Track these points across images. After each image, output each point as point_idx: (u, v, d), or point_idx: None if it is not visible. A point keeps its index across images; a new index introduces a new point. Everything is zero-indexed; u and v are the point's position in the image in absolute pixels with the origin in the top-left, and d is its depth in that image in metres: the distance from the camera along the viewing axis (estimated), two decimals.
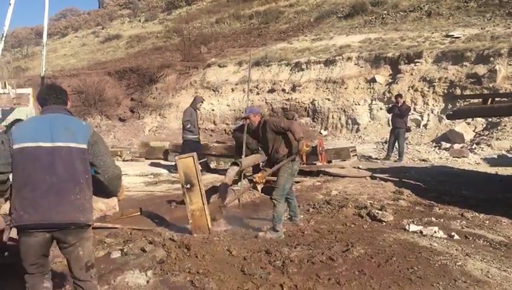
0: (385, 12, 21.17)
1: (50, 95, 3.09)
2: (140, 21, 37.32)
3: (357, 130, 15.44)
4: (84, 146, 2.93)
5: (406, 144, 12.53)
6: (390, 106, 13.11)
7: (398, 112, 11.91)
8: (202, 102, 11.34)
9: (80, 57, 31.65)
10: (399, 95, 12.53)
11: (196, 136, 10.78)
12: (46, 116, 3.02)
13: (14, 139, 2.85)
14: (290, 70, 18.36)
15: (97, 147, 3.01)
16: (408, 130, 12.42)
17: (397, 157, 11.86)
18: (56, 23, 44.66)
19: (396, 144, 11.96)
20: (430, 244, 5.03)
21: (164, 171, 11.12)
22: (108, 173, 3.05)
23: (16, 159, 2.83)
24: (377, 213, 6.22)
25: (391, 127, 12.47)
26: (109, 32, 35.72)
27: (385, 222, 6.01)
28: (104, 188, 3.11)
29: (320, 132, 15.92)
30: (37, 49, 33.65)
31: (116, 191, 3.28)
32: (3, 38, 13.00)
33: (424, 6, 20.38)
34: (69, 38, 40.01)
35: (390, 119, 13.13)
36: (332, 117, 16.26)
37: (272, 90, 17.54)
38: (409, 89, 14.96)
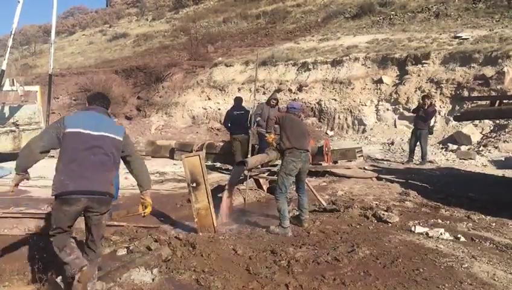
0: (393, 13, 21.10)
1: (98, 98, 3.96)
2: (147, 20, 37.41)
3: (364, 131, 15.39)
4: (121, 138, 3.79)
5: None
6: (413, 107, 12.59)
7: (423, 115, 11.38)
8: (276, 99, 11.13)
9: (87, 55, 31.78)
10: (426, 96, 11.93)
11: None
12: (92, 113, 3.83)
13: (66, 125, 3.59)
14: (297, 70, 18.35)
15: (129, 140, 3.95)
16: (430, 132, 11.85)
17: (420, 160, 11.48)
18: (64, 21, 44.84)
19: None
20: (436, 246, 5.01)
21: (170, 170, 11.13)
22: (138, 158, 4.00)
23: (66, 140, 3.57)
24: (383, 214, 6.20)
25: (413, 128, 11.99)
26: (116, 31, 35.83)
27: (391, 223, 5.99)
28: (139, 173, 3.97)
29: (326, 132, 15.89)
30: (45, 47, 33.82)
31: (149, 180, 4.04)
32: (12, 36, 13.12)
33: (432, 7, 20.28)
34: (76, 36, 40.18)
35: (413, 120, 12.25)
36: (339, 118, 16.22)
37: (278, 90, 17.51)
38: (416, 91, 14.90)
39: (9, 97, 14.59)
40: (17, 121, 13.35)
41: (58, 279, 3.85)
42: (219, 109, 18.52)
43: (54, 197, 3.59)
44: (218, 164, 11.74)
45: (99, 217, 3.73)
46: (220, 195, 7.05)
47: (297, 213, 6.22)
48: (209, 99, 19.24)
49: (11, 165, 11.77)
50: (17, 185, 3.76)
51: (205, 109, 18.96)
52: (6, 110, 13.28)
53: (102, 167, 3.64)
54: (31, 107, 14.03)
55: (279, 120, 6.03)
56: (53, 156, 12.06)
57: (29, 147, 3.58)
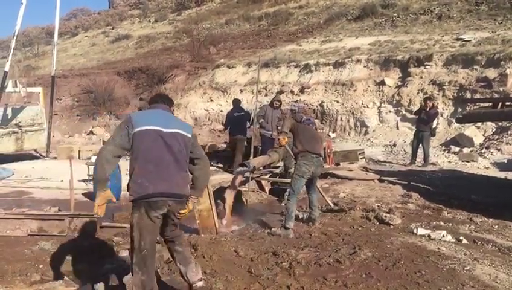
0: (395, 14, 21.08)
1: (161, 97, 3.86)
2: (150, 21, 37.47)
3: (366, 133, 15.38)
4: (190, 136, 3.61)
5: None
6: (415, 109, 12.56)
7: (425, 117, 11.33)
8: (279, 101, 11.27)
9: (89, 56, 31.85)
10: (428, 98, 11.88)
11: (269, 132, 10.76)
12: (158, 110, 3.66)
13: (135, 124, 3.37)
14: (299, 72, 18.35)
15: (196, 139, 3.76)
16: (433, 134, 11.82)
17: (422, 162, 11.41)
18: (67, 22, 44.93)
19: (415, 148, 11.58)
20: (438, 248, 5.00)
21: None
22: (207, 164, 3.83)
23: (138, 140, 3.35)
24: (385, 216, 6.19)
25: (415, 130, 11.92)
26: (119, 32, 35.90)
27: (393, 225, 5.98)
28: (200, 178, 3.77)
29: (328, 134, 15.88)
30: (48, 48, 33.88)
31: (204, 189, 3.99)
32: (15, 37, 13.17)
33: (434, 9, 20.26)
34: (79, 38, 40.26)
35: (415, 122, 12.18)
36: (341, 119, 16.22)
37: (280, 92, 17.51)
38: (418, 92, 14.88)
39: (12, 98, 14.65)
40: (19, 122, 13.40)
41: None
42: (221, 111, 18.52)
43: (132, 203, 3.38)
44: (220, 165, 11.74)
45: (174, 216, 3.55)
46: (222, 196, 7.06)
47: (307, 215, 6.26)
48: (211, 100, 19.26)
49: (14, 166, 11.85)
50: (103, 205, 3.41)
51: (207, 110, 18.97)
52: (9, 111, 13.33)
53: (178, 166, 3.46)
54: (34, 108, 14.08)
55: (293, 127, 6.08)
56: (55, 158, 12.09)
57: (101, 154, 3.34)
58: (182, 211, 3.56)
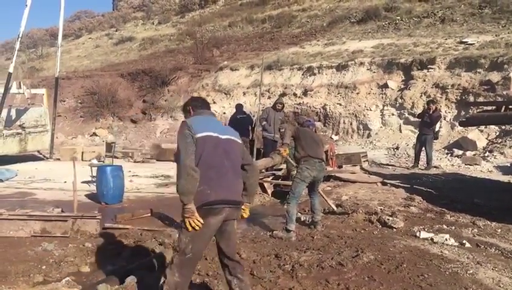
0: (398, 17, 21.08)
1: (203, 103, 3.75)
2: (153, 24, 37.56)
3: (369, 136, 15.38)
4: (241, 142, 3.60)
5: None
6: (418, 112, 12.61)
7: (428, 120, 11.31)
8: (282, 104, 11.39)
9: (93, 58, 31.94)
10: (431, 101, 11.91)
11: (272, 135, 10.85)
12: (209, 117, 3.60)
13: (195, 130, 3.27)
14: (302, 74, 18.36)
15: (244, 146, 3.72)
16: (436, 137, 11.81)
17: (425, 165, 11.43)
18: (70, 24, 45.10)
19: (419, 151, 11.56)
20: (441, 251, 4.99)
21: (175, 173, 11.15)
22: (257, 169, 3.82)
23: (199, 146, 3.26)
24: (388, 219, 6.19)
25: (417, 133, 11.96)
26: (123, 35, 35.98)
27: (396, 228, 5.98)
28: (252, 182, 3.67)
29: (331, 137, 15.88)
30: (52, 50, 34.01)
31: (256, 185, 3.95)
32: (19, 39, 13.23)
33: (437, 12, 20.25)
34: (83, 39, 40.38)
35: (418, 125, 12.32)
36: (344, 122, 16.22)
37: (283, 94, 17.53)
38: (421, 96, 14.89)
39: (16, 100, 14.70)
40: (23, 123, 13.44)
41: None
42: (224, 113, 18.54)
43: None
44: None
45: (232, 224, 3.45)
46: None
47: (310, 220, 6.26)
48: (214, 103, 19.27)
49: (18, 167, 11.89)
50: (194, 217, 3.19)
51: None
52: (13, 112, 13.37)
53: (235, 173, 3.41)
54: (38, 110, 14.13)
55: (295, 133, 6.08)
56: (58, 159, 12.12)
57: (186, 169, 3.16)
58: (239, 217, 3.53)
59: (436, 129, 11.75)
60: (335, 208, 6.99)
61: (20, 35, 13.04)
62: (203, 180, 3.21)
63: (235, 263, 3.47)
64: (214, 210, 3.24)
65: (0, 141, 12.48)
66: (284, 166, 8.85)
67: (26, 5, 12.63)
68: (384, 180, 9.46)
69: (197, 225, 3.14)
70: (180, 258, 3.25)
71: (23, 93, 13.78)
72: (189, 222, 3.14)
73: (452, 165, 11.79)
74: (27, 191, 9.20)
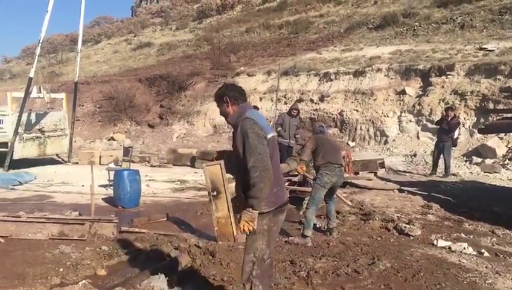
0: (417, 24, 20.92)
1: (242, 94, 3.37)
2: (171, 29, 37.93)
3: (386, 142, 15.26)
4: None
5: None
6: (436, 119, 12.42)
7: (446, 127, 11.13)
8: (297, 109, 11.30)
9: (112, 63, 32.35)
10: (450, 108, 11.72)
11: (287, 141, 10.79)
12: (260, 112, 3.52)
13: (266, 131, 3.11)
14: (319, 80, 18.33)
15: None
16: (454, 144, 11.56)
17: (443, 172, 11.21)
18: (90, 30, 45.79)
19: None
20: (459, 260, 4.92)
21: (191, 178, 11.20)
22: None
23: (270, 147, 3.09)
24: (405, 227, 6.12)
25: (436, 140, 11.76)
26: (141, 40, 36.41)
27: (412, 236, 5.90)
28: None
29: (347, 143, 15.81)
30: (71, 55, 34.55)
31: None
32: (40, 44, 13.46)
33: (457, 18, 20.04)
34: (102, 45, 40.96)
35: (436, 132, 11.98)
36: (361, 128, 16.13)
37: (300, 100, 17.51)
38: (439, 102, 14.72)
39: (36, 104, 14.95)
40: (42, 127, 13.64)
41: None
42: None
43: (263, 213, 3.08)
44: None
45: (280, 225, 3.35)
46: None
47: (326, 226, 6.24)
48: None
49: (36, 170, 12.08)
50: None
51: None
52: (33, 116, 13.59)
53: (282, 173, 3.37)
54: (57, 114, 14.34)
55: (314, 146, 6.01)
56: (76, 163, 12.30)
57: (269, 172, 2.98)
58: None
59: (455, 136, 11.57)
60: (349, 203, 6.96)
61: (41, 41, 13.27)
62: (276, 182, 3.12)
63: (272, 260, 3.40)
64: (283, 210, 3.24)
65: (20, 145, 12.68)
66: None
67: (47, 11, 12.85)
68: (401, 187, 9.36)
69: (250, 230, 3.01)
70: (261, 268, 3.12)
71: (43, 97, 14.00)
72: (246, 227, 2.99)
73: (471, 172, 11.61)
74: (45, 194, 9.33)
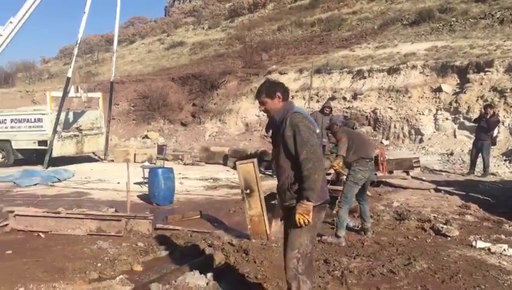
0: (453, 19, 20.38)
1: (288, 93, 3.42)
2: (203, 28, 38.18)
3: (421, 141, 14.95)
4: None
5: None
6: (474, 117, 12.11)
7: (485, 125, 10.84)
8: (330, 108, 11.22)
9: (145, 63, 32.83)
10: (489, 105, 11.42)
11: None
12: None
13: (315, 126, 3.20)
14: (352, 78, 18.11)
15: None
16: (493, 143, 11.26)
17: (482, 172, 10.90)
18: (125, 30, 46.55)
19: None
20: (499, 262, 4.78)
21: (223, 176, 11.28)
22: None
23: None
24: (441, 227, 5.99)
25: (474, 139, 11.45)
26: (174, 39, 36.79)
27: (450, 236, 5.77)
28: None
29: (381, 142, 15.56)
30: (107, 55, 35.28)
31: None
32: (77, 45, 13.81)
33: (496, 13, 19.41)
34: (136, 45, 41.60)
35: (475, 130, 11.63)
36: (395, 127, 15.85)
37: (332, 98, 17.34)
38: (477, 100, 14.31)
39: (74, 103, 15.37)
40: (80, 126, 14.01)
41: None
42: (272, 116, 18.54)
43: None
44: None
45: None
46: (273, 202, 7.06)
47: (360, 225, 6.15)
48: None
49: (74, 167, 12.41)
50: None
51: (258, 116, 19.03)
52: (71, 115, 13.97)
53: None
54: (94, 113, 14.71)
55: (348, 140, 5.86)
56: (112, 160, 12.56)
57: (322, 164, 3.07)
58: None
59: (494, 135, 11.22)
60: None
61: (78, 41, 13.62)
62: (323, 178, 3.19)
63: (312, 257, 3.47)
64: (325, 207, 3.33)
65: (58, 143, 13.07)
66: (332, 170, 8.73)
67: (84, 12, 13.18)
68: (438, 187, 9.15)
69: (306, 222, 3.03)
70: (305, 263, 3.15)
71: (80, 96, 14.38)
72: (302, 219, 3.01)
73: (511, 172, 11.25)
74: (83, 191, 9.58)
